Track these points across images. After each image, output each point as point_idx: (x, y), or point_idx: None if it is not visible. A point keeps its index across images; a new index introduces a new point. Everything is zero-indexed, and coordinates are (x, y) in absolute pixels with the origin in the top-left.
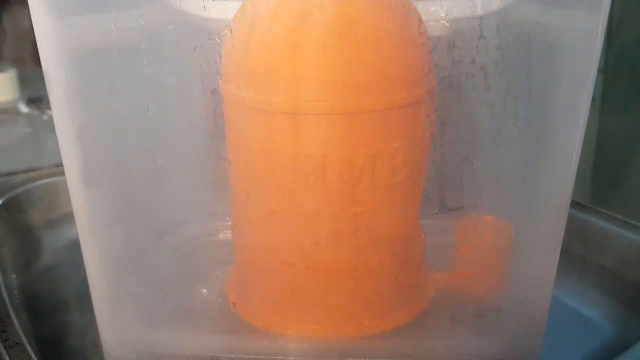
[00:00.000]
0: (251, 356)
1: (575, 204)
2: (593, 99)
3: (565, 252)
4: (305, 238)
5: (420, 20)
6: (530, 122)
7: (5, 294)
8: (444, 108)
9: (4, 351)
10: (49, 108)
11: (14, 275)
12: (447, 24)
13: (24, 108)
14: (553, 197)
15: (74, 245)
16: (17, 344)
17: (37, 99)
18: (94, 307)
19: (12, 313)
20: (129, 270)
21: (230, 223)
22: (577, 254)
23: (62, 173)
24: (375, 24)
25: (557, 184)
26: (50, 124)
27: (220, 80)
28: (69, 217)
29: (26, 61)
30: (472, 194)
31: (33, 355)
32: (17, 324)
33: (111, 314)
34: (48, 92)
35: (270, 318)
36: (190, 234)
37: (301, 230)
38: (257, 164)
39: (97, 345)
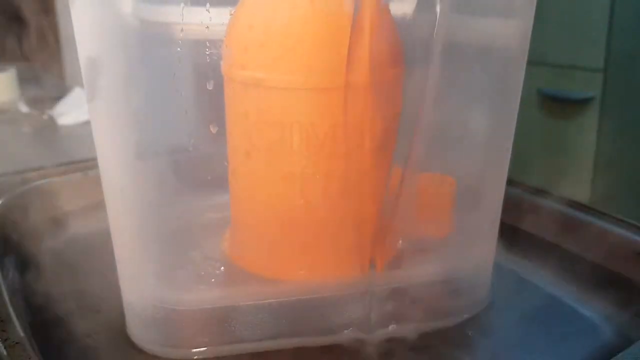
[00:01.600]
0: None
1: (574, 204)
2: (593, 98)
3: (564, 251)
4: (314, 196)
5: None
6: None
7: (5, 294)
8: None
9: (4, 351)
10: (49, 108)
11: (14, 275)
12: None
13: (24, 108)
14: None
15: (74, 245)
16: (17, 343)
17: (37, 99)
18: (117, 267)
19: (12, 313)
20: (149, 236)
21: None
22: (577, 254)
23: (62, 173)
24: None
25: (495, 153)
26: (50, 124)
27: (222, 62)
28: (69, 217)
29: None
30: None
31: (33, 355)
32: (17, 324)
33: (132, 273)
34: (91, 75)
35: (276, 266)
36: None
37: (309, 190)
38: (266, 135)
39: (97, 345)
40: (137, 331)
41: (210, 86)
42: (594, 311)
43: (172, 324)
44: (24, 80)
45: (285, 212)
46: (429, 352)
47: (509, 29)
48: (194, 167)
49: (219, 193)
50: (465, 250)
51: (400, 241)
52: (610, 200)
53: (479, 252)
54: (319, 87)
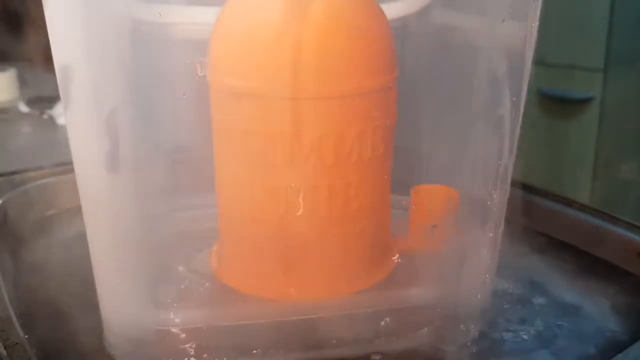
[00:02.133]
0: (244, 322)
1: (574, 203)
2: (593, 98)
3: (566, 249)
4: (300, 210)
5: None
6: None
7: (5, 294)
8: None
9: (4, 351)
10: (49, 108)
11: (14, 275)
12: None
13: (24, 108)
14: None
15: (74, 244)
16: (17, 344)
17: (37, 99)
18: (95, 284)
19: (12, 313)
20: (128, 252)
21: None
22: (577, 252)
23: (62, 173)
24: (358, 23)
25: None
26: (50, 124)
27: (208, 70)
28: (68, 217)
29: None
30: (424, 168)
31: (33, 356)
32: (17, 324)
33: (111, 291)
34: (64, 84)
35: (263, 284)
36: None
37: (294, 204)
38: (251, 146)
39: (97, 345)
40: (117, 348)
41: (192, 92)
42: (595, 309)
43: (153, 343)
44: (24, 80)
45: (270, 227)
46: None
47: (514, 30)
48: (178, 175)
49: (205, 204)
50: (465, 266)
51: (397, 258)
52: (610, 200)
53: (480, 266)
54: (303, 96)
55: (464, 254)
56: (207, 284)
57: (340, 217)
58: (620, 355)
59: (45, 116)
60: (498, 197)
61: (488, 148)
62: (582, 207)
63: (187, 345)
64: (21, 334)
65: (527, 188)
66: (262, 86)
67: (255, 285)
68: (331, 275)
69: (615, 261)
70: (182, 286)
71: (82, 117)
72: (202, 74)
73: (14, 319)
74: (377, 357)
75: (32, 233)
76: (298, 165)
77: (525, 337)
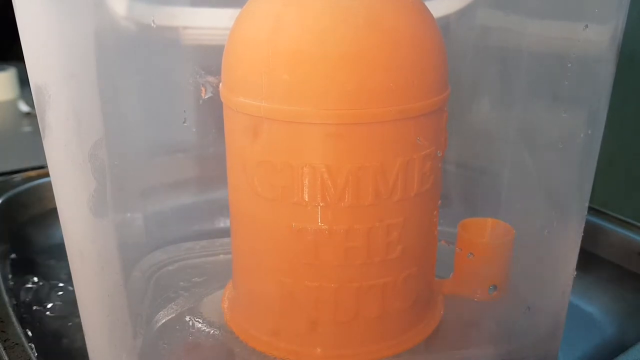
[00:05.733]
0: None
1: None
2: None
3: None
4: (332, 257)
5: (436, 26)
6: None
7: (5, 294)
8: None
9: (3, 352)
10: None
11: (13, 275)
12: None
13: (24, 107)
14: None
15: None
16: (17, 344)
17: None
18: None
19: (12, 313)
20: (119, 305)
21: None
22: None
23: None
24: (404, 32)
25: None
26: None
27: (221, 87)
28: None
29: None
30: (474, 198)
31: (33, 356)
32: (17, 324)
33: (102, 349)
34: (40, 108)
35: (285, 343)
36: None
37: (325, 249)
38: (273, 180)
39: None
40: None
41: (188, 121)
42: (595, 307)
43: None
44: (24, 80)
45: (295, 276)
46: None
47: (597, 34)
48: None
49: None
50: (527, 318)
51: (442, 311)
52: (610, 200)
53: (547, 318)
54: (337, 121)
55: (528, 300)
56: (216, 335)
57: (379, 266)
58: (621, 356)
59: None
60: (574, 232)
61: (561, 174)
62: None
63: None
64: (21, 334)
65: None
66: (287, 108)
67: (275, 343)
68: (366, 333)
69: (615, 260)
70: (185, 340)
71: (61, 150)
72: (207, 96)
73: (14, 319)
74: None
75: (32, 233)
76: (330, 204)
77: None
